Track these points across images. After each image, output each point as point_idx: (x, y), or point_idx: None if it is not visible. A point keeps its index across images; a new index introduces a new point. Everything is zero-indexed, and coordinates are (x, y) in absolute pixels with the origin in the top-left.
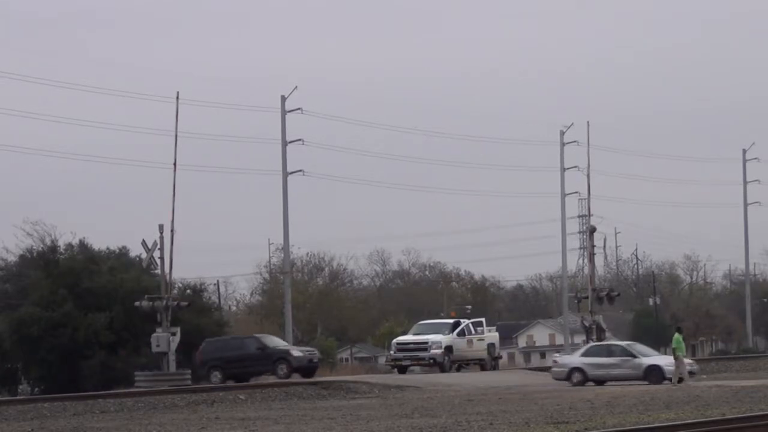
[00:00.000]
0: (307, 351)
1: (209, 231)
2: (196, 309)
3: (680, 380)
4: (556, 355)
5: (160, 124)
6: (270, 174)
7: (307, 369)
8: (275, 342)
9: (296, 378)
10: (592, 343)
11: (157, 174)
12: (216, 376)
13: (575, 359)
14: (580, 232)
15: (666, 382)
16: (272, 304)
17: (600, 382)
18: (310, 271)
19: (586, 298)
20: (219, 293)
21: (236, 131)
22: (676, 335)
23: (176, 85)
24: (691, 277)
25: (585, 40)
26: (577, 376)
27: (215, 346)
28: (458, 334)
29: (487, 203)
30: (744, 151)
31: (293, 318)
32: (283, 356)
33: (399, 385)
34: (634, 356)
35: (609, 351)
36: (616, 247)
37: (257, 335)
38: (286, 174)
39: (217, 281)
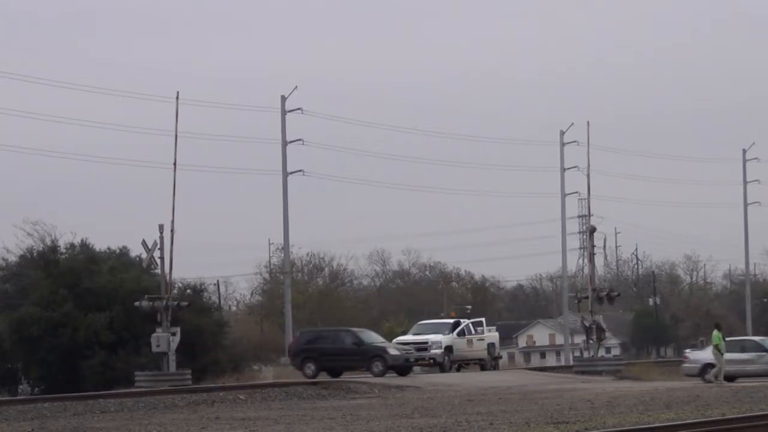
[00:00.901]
0: (404, 350)
1: (209, 231)
2: (196, 309)
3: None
4: (688, 351)
5: (160, 124)
6: (270, 174)
7: (403, 368)
8: (372, 337)
9: (391, 375)
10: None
11: (157, 174)
12: (310, 368)
13: (707, 355)
14: (580, 232)
15: None
16: (272, 304)
17: (731, 378)
18: (310, 271)
19: (586, 298)
20: (219, 293)
21: (236, 131)
22: (716, 332)
23: (176, 85)
24: (691, 277)
25: (585, 40)
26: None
27: (311, 336)
28: (458, 334)
29: (487, 203)
30: (744, 151)
31: (293, 318)
32: (380, 353)
33: (399, 385)
34: None
35: (742, 347)
36: (616, 247)
37: (354, 329)
38: (286, 174)
39: (217, 281)
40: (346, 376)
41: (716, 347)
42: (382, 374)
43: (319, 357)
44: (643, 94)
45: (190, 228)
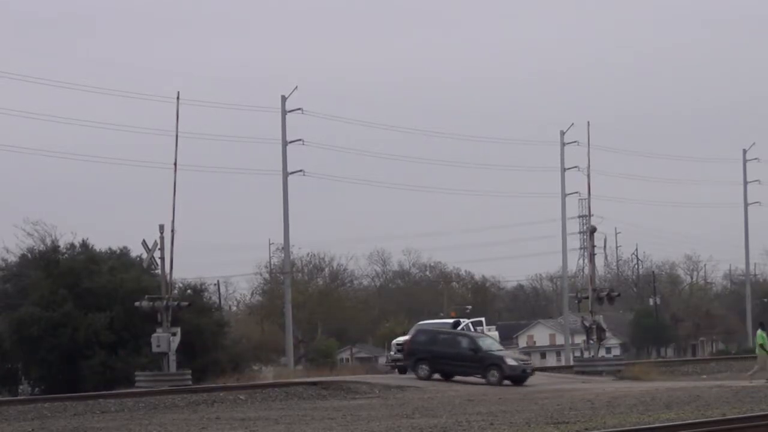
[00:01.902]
0: (521, 360)
1: (209, 231)
2: (196, 309)
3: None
4: None
5: (160, 124)
6: (270, 174)
7: (520, 378)
8: (488, 344)
9: (507, 385)
10: None
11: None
12: (423, 370)
13: None
14: (580, 232)
15: None
16: (272, 304)
17: None
18: (311, 271)
19: (587, 298)
20: (219, 293)
21: (236, 131)
22: (760, 331)
23: (176, 85)
24: (692, 277)
25: (585, 40)
26: None
27: (426, 338)
28: None
29: (487, 203)
30: (744, 151)
31: (293, 318)
32: (497, 363)
33: (399, 386)
34: None
35: None
36: (617, 247)
37: (471, 334)
38: (286, 174)
39: (218, 281)
40: (347, 376)
41: (761, 346)
42: (497, 383)
43: (434, 359)
44: (643, 94)
45: (191, 228)
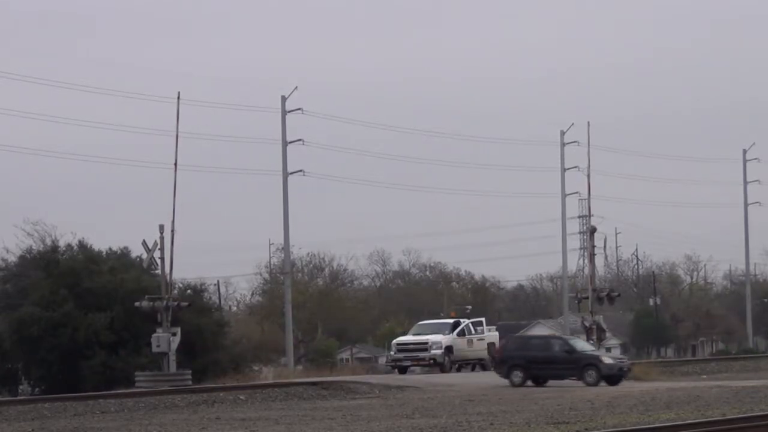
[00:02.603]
0: (618, 359)
1: (209, 231)
2: (196, 309)
3: None
4: None
5: (160, 124)
6: (270, 174)
7: (616, 377)
8: (582, 345)
9: (603, 385)
10: None
11: (157, 174)
12: (517, 376)
13: None
14: (580, 233)
15: None
16: (272, 304)
17: None
18: (311, 271)
19: (587, 298)
20: (219, 293)
21: (236, 131)
22: None
23: (176, 85)
24: (692, 278)
25: (585, 40)
26: None
27: (518, 344)
28: (458, 334)
29: (487, 203)
30: (744, 151)
31: (293, 318)
32: (594, 362)
33: (399, 386)
34: None
35: None
36: (617, 247)
37: (564, 336)
38: (286, 174)
39: (218, 281)
40: (347, 377)
41: None
42: (595, 384)
43: (528, 365)
44: (643, 94)
45: (191, 228)
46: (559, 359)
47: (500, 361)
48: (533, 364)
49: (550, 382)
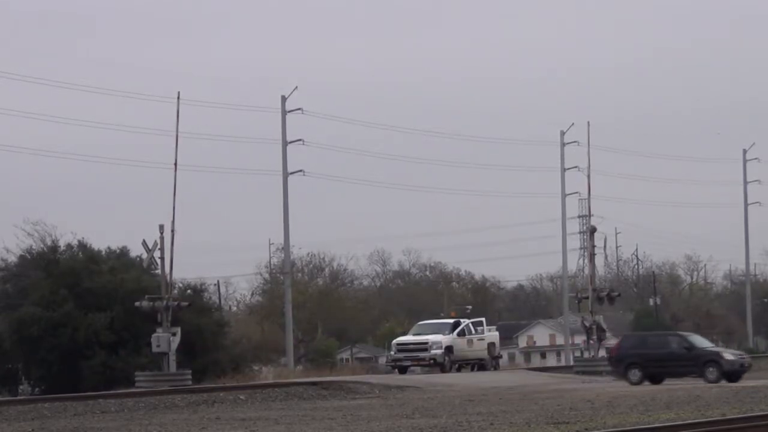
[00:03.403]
0: (738, 354)
1: (209, 231)
2: (196, 309)
3: None
4: None
5: (160, 124)
6: (270, 174)
7: (737, 374)
8: (700, 341)
9: (723, 383)
10: None
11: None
12: (635, 375)
13: None
14: (580, 233)
15: None
16: (272, 304)
17: None
18: (311, 271)
19: (587, 298)
20: (219, 293)
21: (236, 131)
22: None
23: (176, 85)
24: (692, 278)
25: (585, 40)
26: None
27: (634, 342)
28: (458, 334)
29: (487, 203)
30: (744, 151)
31: (293, 318)
32: (715, 359)
33: (399, 386)
34: None
35: None
36: (617, 247)
37: (682, 333)
38: (286, 174)
39: (218, 281)
40: (347, 377)
41: None
42: (716, 381)
43: (645, 363)
44: (643, 94)
45: (191, 228)
46: (677, 356)
47: (617, 360)
48: (651, 362)
49: (666, 381)
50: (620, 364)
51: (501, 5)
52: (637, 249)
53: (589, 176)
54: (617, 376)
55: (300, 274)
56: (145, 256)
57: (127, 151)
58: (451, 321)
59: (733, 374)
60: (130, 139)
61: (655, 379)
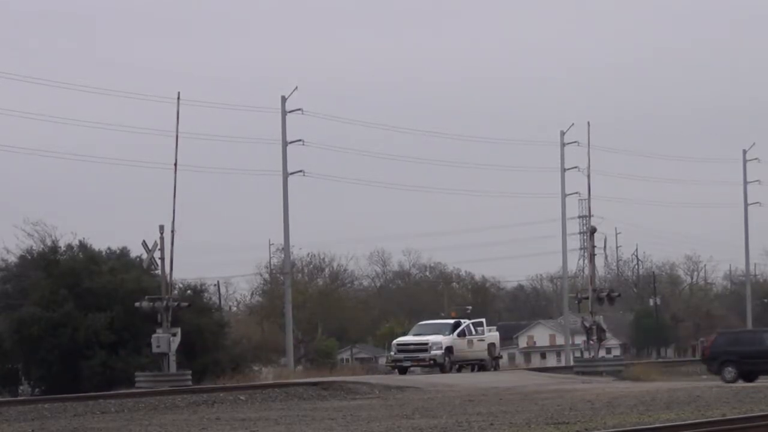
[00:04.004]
0: None
1: (209, 231)
2: (196, 309)
3: None
4: None
5: (160, 124)
6: (270, 174)
7: None
8: None
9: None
10: None
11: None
12: (730, 372)
13: None
14: (580, 233)
15: None
16: (272, 304)
17: None
18: (311, 271)
19: (587, 298)
20: (219, 294)
21: (236, 131)
22: None
23: (176, 85)
24: (692, 278)
25: (585, 40)
26: None
27: (729, 338)
28: (459, 335)
29: (487, 203)
30: (744, 151)
31: (293, 318)
32: None
33: (399, 386)
34: None
35: None
36: (617, 247)
37: None
38: (286, 174)
39: (218, 282)
40: (347, 377)
41: None
42: None
43: (740, 360)
44: (643, 94)
45: (191, 228)
46: None
47: (711, 357)
48: (745, 360)
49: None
50: (714, 362)
51: (501, 5)
52: (637, 249)
53: (589, 176)
54: (711, 374)
55: (300, 275)
56: (145, 256)
57: (127, 151)
58: (452, 321)
59: None
60: (130, 139)
61: (749, 377)
